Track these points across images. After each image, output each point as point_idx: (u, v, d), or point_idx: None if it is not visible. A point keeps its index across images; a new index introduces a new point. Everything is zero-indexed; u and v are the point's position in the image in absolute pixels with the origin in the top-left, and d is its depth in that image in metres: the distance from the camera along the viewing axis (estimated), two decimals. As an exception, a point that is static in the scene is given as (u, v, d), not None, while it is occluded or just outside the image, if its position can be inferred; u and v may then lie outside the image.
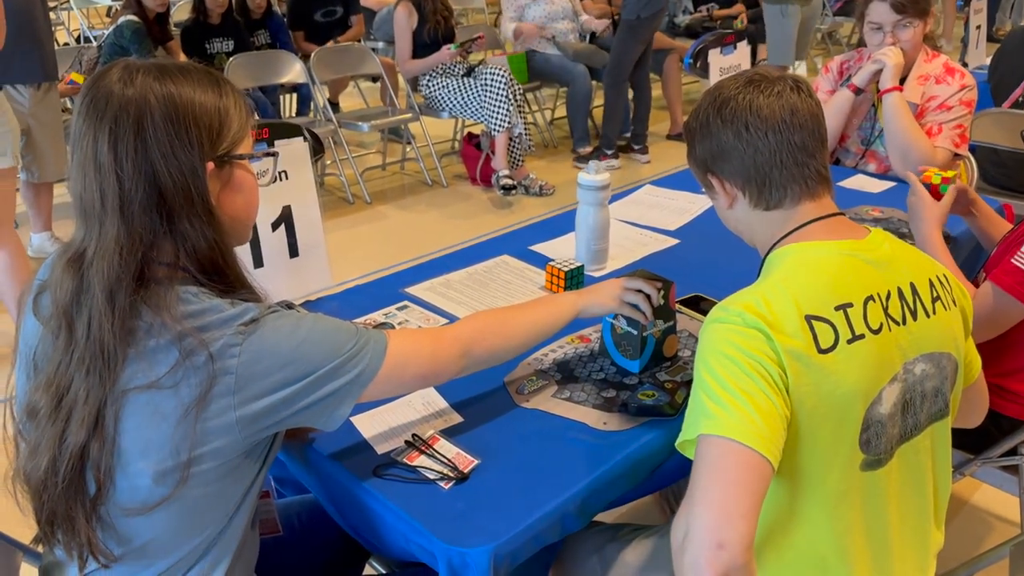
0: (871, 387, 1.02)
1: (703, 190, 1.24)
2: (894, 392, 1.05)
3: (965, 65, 3.87)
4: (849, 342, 1.01)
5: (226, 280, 1.01)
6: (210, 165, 0.99)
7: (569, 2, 5.22)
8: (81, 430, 0.94)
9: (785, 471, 1.01)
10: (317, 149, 1.40)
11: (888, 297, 1.06)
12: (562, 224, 2.03)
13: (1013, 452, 1.67)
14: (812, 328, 1.00)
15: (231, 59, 4.33)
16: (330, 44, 5.14)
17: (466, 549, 1.03)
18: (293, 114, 5.21)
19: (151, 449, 0.95)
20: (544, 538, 1.12)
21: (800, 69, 7.19)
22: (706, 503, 0.90)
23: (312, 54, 4.54)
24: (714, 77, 2.43)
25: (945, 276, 1.16)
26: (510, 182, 4.36)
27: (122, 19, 4.33)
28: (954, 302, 1.15)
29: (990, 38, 6.90)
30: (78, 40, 7.19)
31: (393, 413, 1.29)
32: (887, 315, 1.05)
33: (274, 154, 1.12)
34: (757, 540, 0.96)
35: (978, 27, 3.76)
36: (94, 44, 4.58)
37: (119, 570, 1.00)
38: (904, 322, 1.06)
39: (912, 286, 1.09)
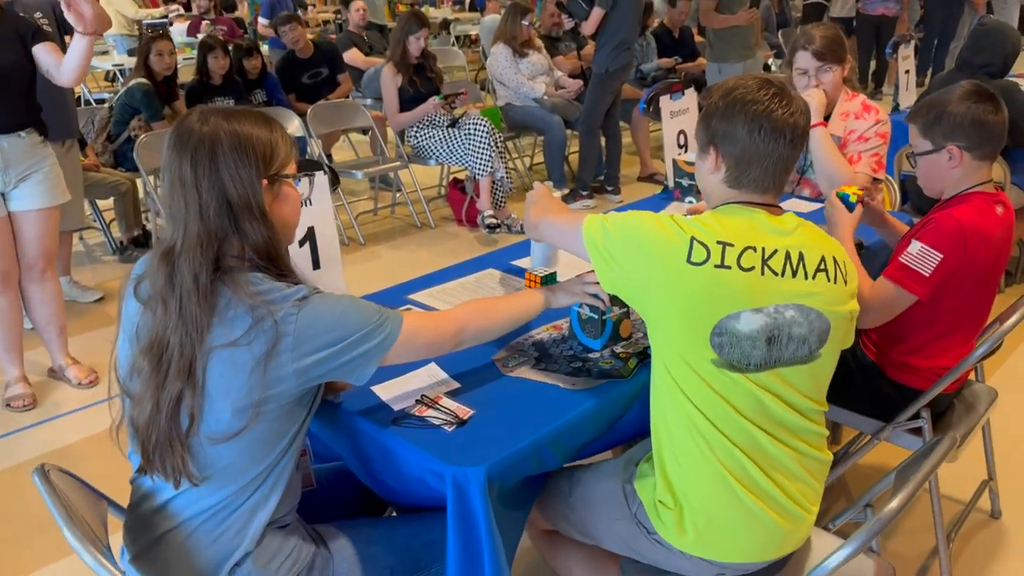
0: (728, 305, 1.36)
1: (698, 148, 1.53)
2: (757, 320, 1.36)
3: (897, 106, 4.31)
4: (716, 267, 1.35)
5: (279, 268, 1.34)
6: (264, 182, 1.33)
7: (545, 60, 5.68)
8: (177, 380, 1.26)
9: (657, 340, 1.43)
10: (334, 181, 1.74)
11: (773, 253, 1.38)
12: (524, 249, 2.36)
13: (916, 416, 2.00)
14: (692, 244, 1.37)
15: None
16: (321, 102, 5.55)
17: (468, 468, 1.35)
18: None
19: (231, 391, 1.26)
20: (527, 465, 1.44)
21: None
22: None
23: (308, 110, 4.92)
24: (666, 120, 2.82)
25: (843, 262, 1.48)
26: (494, 221, 4.74)
27: (133, 82, 4.71)
28: (845, 281, 1.46)
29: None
30: (78, 103, 7.58)
31: (404, 382, 1.61)
32: (764, 264, 1.37)
33: (312, 175, 1.47)
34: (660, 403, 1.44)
35: (907, 72, 4.20)
36: (105, 105, 4.94)
37: (203, 489, 1.31)
38: (783, 275, 1.38)
39: (800, 254, 1.40)
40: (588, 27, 5.01)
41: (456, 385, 1.61)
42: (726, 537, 1.45)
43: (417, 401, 1.55)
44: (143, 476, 1.36)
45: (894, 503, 1.25)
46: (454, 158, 4.87)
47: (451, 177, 5.37)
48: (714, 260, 1.36)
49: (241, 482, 1.32)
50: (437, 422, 1.48)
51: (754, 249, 1.38)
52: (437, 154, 4.93)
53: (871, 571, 1.57)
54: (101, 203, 4.80)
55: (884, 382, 2.05)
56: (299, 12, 8.04)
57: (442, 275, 2.19)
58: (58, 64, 2.81)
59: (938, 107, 1.93)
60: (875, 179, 2.66)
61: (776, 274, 1.39)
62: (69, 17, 2.64)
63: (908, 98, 4.19)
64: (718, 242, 1.37)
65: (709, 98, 1.50)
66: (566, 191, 5.45)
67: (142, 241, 4.69)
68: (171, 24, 8.55)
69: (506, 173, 4.87)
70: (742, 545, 1.46)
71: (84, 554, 1.20)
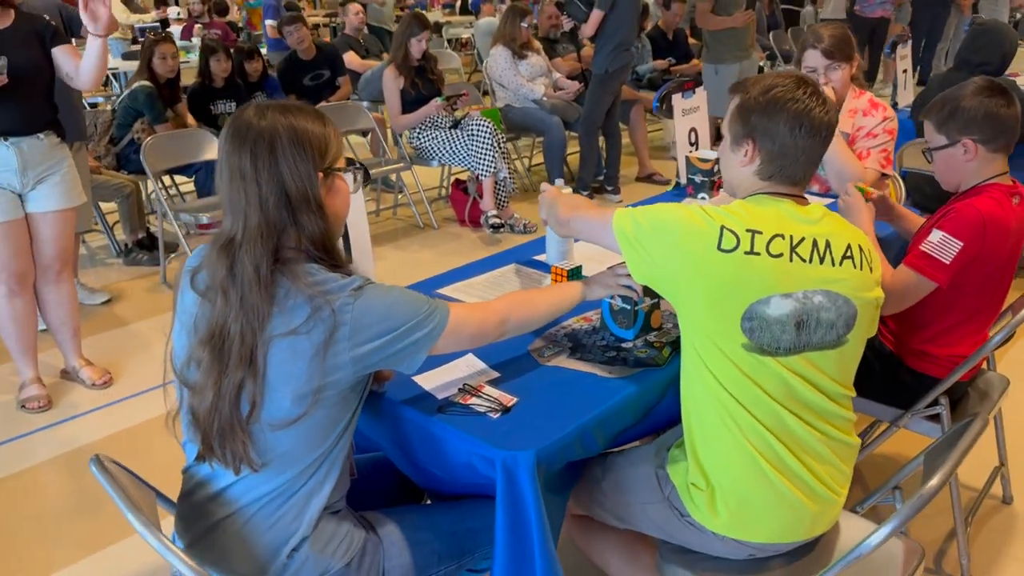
0: (758, 290, 1.40)
1: (729, 140, 1.56)
2: (786, 305, 1.41)
3: (895, 104, 4.39)
4: (746, 254, 1.40)
5: (332, 259, 1.38)
6: (320, 175, 1.36)
7: (543, 62, 5.72)
8: (239, 369, 1.29)
9: (688, 327, 1.48)
10: (365, 177, 1.76)
11: (801, 241, 1.43)
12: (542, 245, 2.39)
13: (935, 403, 2.05)
14: (722, 232, 1.41)
15: (238, 118, 4.71)
16: (323, 104, 5.59)
17: (518, 452, 1.39)
18: (290, 168, 5.58)
19: (291, 379, 1.29)
20: (571, 451, 1.47)
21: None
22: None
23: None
24: (678, 117, 2.87)
25: (868, 249, 1.53)
26: (498, 221, 4.78)
27: (136, 85, 4.72)
28: (871, 268, 1.52)
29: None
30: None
31: (445, 372, 1.65)
32: (793, 251, 1.42)
33: (360, 168, 1.50)
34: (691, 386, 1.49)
35: (904, 71, 4.28)
36: (108, 108, 4.94)
37: (262, 475, 1.34)
38: (811, 261, 1.43)
39: (827, 242, 1.46)
40: (588, 29, 5.07)
41: (496, 374, 1.64)
42: (757, 518, 1.50)
43: (460, 390, 1.58)
44: (199, 464, 1.39)
45: (934, 480, 1.29)
46: (457, 159, 4.91)
47: (452, 178, 5.40)
48: (743, 247, 1.41)
49: (299, 468, 1.35)
50: (482, 409, 1.51)
51: (782, 236, 1.43)
52: (440, 155, 4.96)
53: (901, 552, 1.62)
54: (103, 206, 4.80)
55: (902, 371, 2.10)
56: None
57: (467, 270, 2.23)
58: (77, 67, 2.83)
59: (952, 103, 1.98)
60: (883, 175, 2.72)
61: (804, 260, 1.43)
62: (84, 18, 2.66)
63: (906, 96, 4.26)
64: (747, 230, 1.42)
65: (745, 93, 1.54)
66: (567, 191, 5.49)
67: (147, 244, 4.70)
68: (168, 27, 8.55)
69: (509, 173, 4.91)
70: (772, 526, 1.51)
71: (150, 537, 1.22)
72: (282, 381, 1.30)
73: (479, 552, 1.59)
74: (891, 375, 2.12)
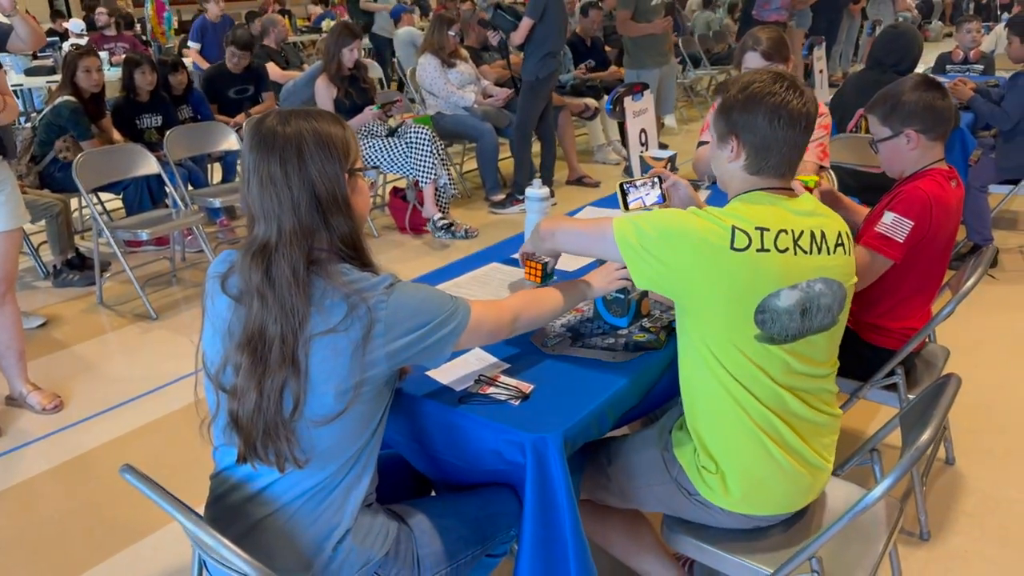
0: (770, 285, 1.49)
1: (715, 138, 1.64)
2: (793, 295, 1.51)
3: (814, 102, 4.66)
4: (758, 251, 1.48)
5: (361, 258, 1.42)
6: (345, 175, 1.40)
7: (472, 70, 5.81)
8: (281, 369, 1.31)
9: (700, 325, 1.54)
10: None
11: (801, 234, 1.53)
12: (519, 244, 2.47)
13: (891, 374, 2.23)
14: (734, 233, 1.48)
15: (170, 131, 4.61)
16: (241, 117, 5.54)
17: (546, 434, 1.46)
18: (220, 180, 5.49)
19: (333, 375, 1.33)
20: (591, 432, 1.56)
21: (669, 120, 8.07)
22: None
23: (244, 123, 4.88)
24: (629, 119, 3.01)
25: (849, 234, 1.64)
26: (446, 221, 4.83)
27: (59, 99, 4.55)
28: (850, 253, 1.64)
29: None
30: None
31: (459, 366, 1.70)
32: (796, 244, 1.52)
33: (376, 169, 1.54)
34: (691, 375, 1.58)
35: (820, 71, 4.56)
36: (28, 125, 4.75)
37: (305, 471, 1.37)
38: (811, 252, 1.53)
39: (822, 232, 1.56)
40: (517, 37, 5.18)
41: (507, 365, 1.71)
42: (764, 494, 1.61)
43: (477, 381, 1.64)
44: (236, 467, 1.41)
45: (925, 435, 1.42)
46: (395, 166, 4.93)
47: (390, 186, 5.41)
48: (755, 245, 1.49)
49: (339, 462, 1.39)
50: (503, 397, 1.58)
51: (786, 231, 1.52)
52: (378, 163, 4.97)
53: (883, 509, 1.76)
54: (27, 227, 4.61)
55: (859, 345, 2.28)
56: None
57: (447, 271, 2.28)
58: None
59: (893, 98, 2.17)
60: (820, 167, 2.91)
61: (806, 252, 1.53)
62: None
63: (822, 95, 4.54)
64: (756, 228, 1.50)
65: (726, 92, 1.62)
66: (502, 196, 5.59)
67: (76, 264, 4.54)
68: (66, 40, 8.23)
69: (449, 179, 4.96)
70: (777, 499, 1.63)
71: (205, 536, 1.24)
72: (324, 378, 1.33)
73: (499, 537, 1.65)
74: (849, 349, 2.28)
